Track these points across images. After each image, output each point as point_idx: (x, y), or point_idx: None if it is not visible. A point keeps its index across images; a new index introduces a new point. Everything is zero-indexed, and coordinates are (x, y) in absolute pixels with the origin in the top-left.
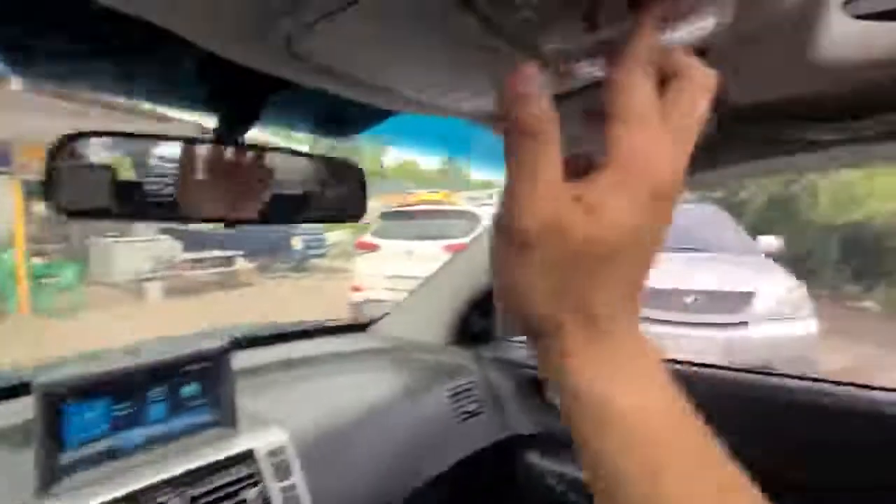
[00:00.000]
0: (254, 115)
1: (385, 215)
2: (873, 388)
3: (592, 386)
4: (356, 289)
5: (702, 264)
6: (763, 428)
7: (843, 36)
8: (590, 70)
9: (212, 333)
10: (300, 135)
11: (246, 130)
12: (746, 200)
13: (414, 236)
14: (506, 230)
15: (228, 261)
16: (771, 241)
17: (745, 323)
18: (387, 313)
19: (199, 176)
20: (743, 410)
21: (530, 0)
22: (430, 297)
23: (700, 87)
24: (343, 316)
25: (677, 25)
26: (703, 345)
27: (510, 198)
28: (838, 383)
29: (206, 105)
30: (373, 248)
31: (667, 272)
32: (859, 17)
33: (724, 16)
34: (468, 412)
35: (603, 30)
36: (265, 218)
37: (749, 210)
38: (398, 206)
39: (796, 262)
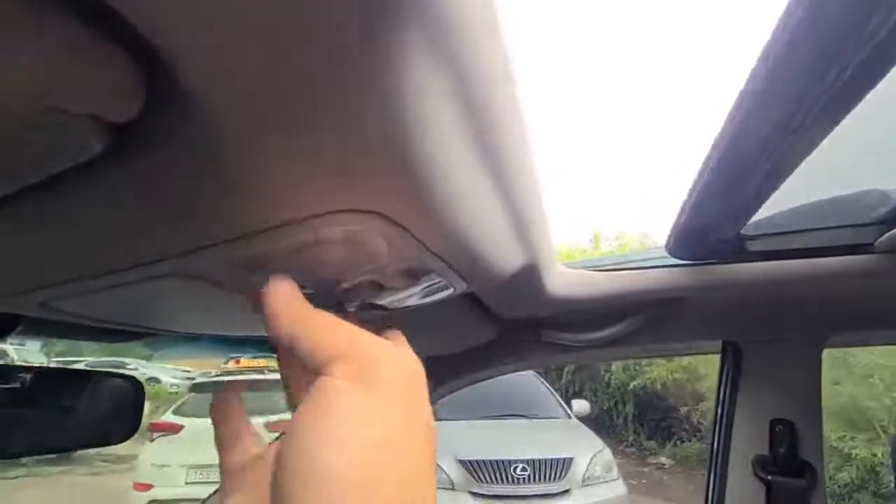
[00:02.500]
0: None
1: (198, 387)
2: None
3: None
4: (141, 486)
5: (524, 432)
6: None
7: (564, 281)
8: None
9: None
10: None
11: None
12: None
13: None
14: None
15: None
16: (583, 405)
17: (568, 491)
18: None
19: None
20: None
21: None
22: None
23: None
24: None
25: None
26: None
27: None
28: None
29: None
30: (174, 428)
31: (494, 440)
32: (574, 268)
33: (459, 287)
34: None
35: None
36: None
37: (560, 373)
38: (216, 375)
39: (600, 420)
